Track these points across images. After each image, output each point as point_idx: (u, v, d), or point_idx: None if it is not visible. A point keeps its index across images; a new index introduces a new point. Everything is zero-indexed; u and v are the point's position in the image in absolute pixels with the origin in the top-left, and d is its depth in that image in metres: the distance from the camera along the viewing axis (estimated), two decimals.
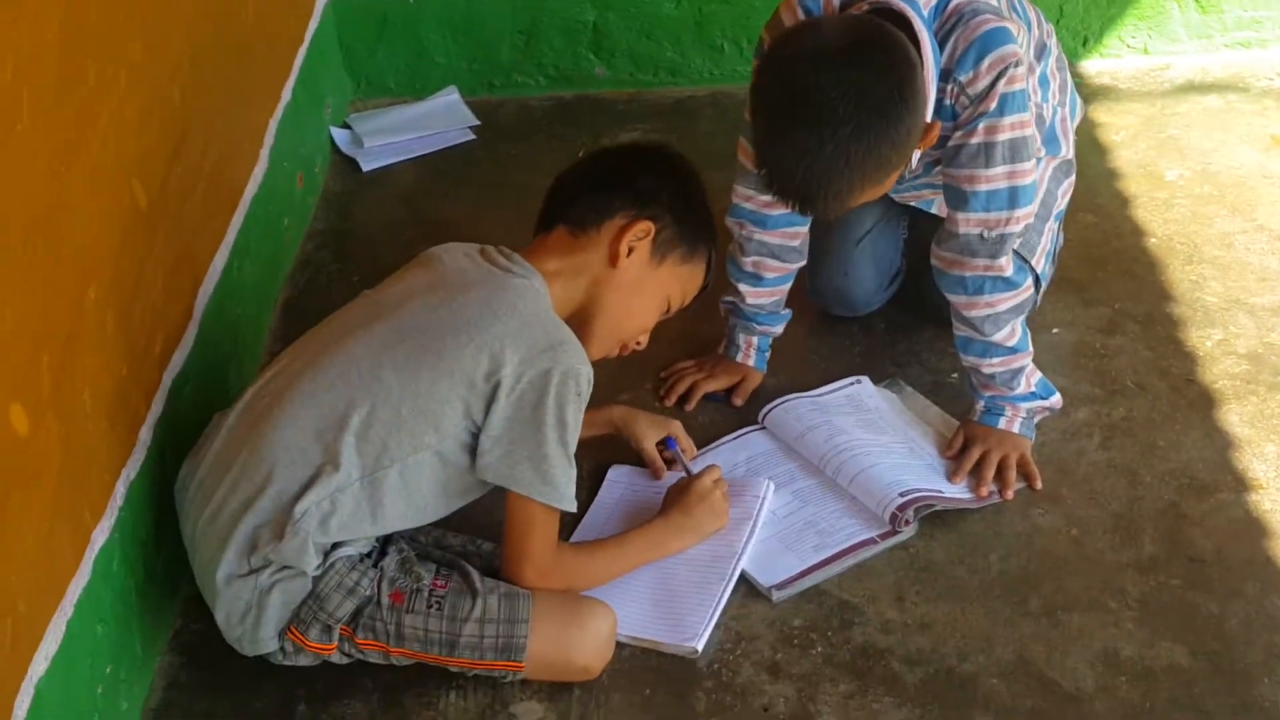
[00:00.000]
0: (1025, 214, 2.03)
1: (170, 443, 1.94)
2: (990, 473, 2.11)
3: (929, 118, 1.93)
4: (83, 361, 1.71)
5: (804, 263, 2.30)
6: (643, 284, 1.94)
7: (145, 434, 1.89)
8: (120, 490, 1.80)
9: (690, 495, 2.01)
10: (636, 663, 1.89)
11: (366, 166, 3.04)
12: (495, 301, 1.80)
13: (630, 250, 1.91)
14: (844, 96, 1.78)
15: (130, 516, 1.81)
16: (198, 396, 2.07)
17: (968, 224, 2.04)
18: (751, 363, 2.35)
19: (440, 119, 3.20)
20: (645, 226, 1.91)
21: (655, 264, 1.94)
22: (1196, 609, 1.92)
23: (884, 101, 1.81)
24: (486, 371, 1.75)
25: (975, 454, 2.13)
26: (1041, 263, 2.27)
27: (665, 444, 2.17)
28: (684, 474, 2.09)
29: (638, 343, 2.03)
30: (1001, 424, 2.15)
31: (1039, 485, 2.11)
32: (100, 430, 1.75)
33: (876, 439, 2.18)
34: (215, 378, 2.19)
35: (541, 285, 1.86)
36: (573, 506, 1.82)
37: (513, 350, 1.75)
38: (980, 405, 2.17)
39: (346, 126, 3.16)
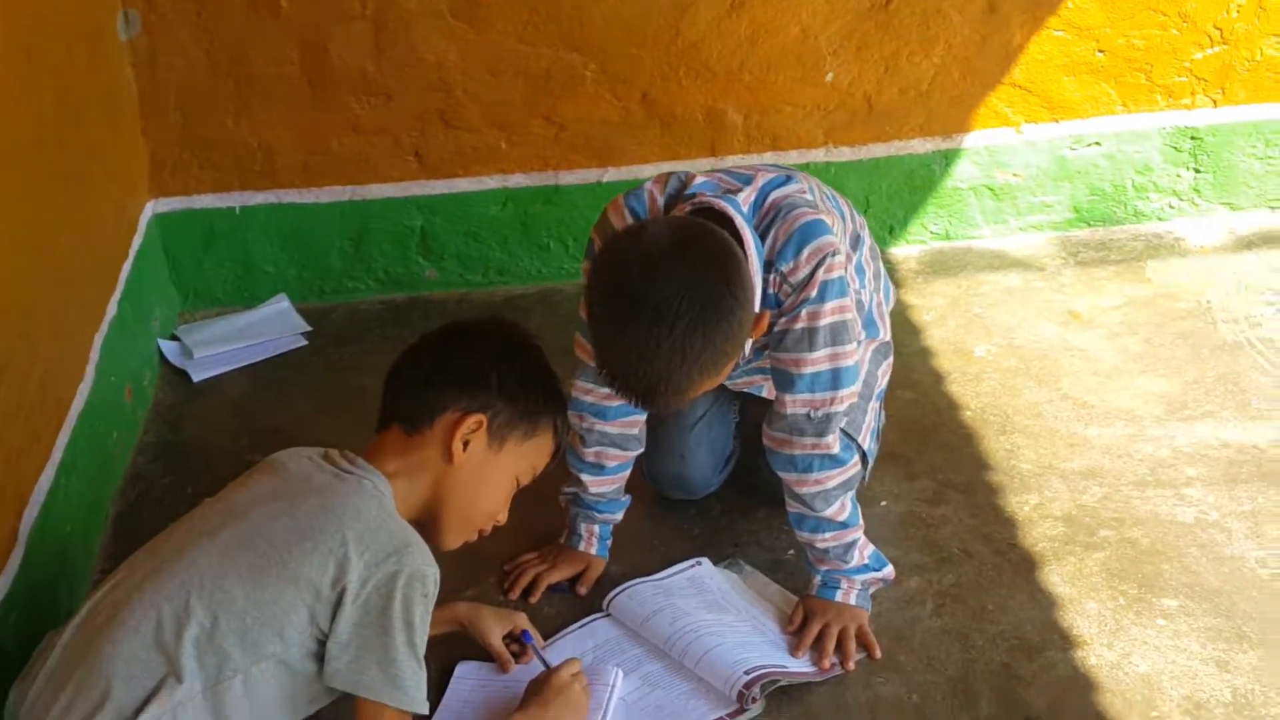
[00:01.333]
0: (849, 393, 2.12)
1: None
2: (831, 645, 2.15)
3: (758, 308, 2.02)
4: None
5: (643, 449, 2.35)
6: (485, 472, 1.95)
7: None
8: None
9: (549, 689, 1.99)
10: None
11: (197, 377, 3.02)
12: (339, 507, 1.79)
13: (466, 444, 1.92)
14: (675, 295, 1.85)
15: None
16: (24, 621, 1.99)
17: (795, 404, 2.12)
18: (594, 551, 2.37)
19: (271, 326, 3.20)
20: (476, 420, 1.91)
21: (495, 451, 1.95)
22: None
23: (714, 297, 1.88)
24: (333, 578, 1.73)
25: (815, 627, 2.17)
26: (867, 440, 2.36)
27: (522, 637, 2.16)
28: (539, 666, 2.08)
29: (496, 521, 2.03)
30: (838, 596, 2.20)
31: (878, 654, 2.16)
32: None
33: (720, 618, 2.21)
34: (43, 600, 2.11)
35: (385, 486, 1.86)
36: (425, 709, 1.79)
37: (358, 555, 1.74)
38: (817, 579, 2.22)
39: (175, 338, 3.14)
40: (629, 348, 1.88)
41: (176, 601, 1.73)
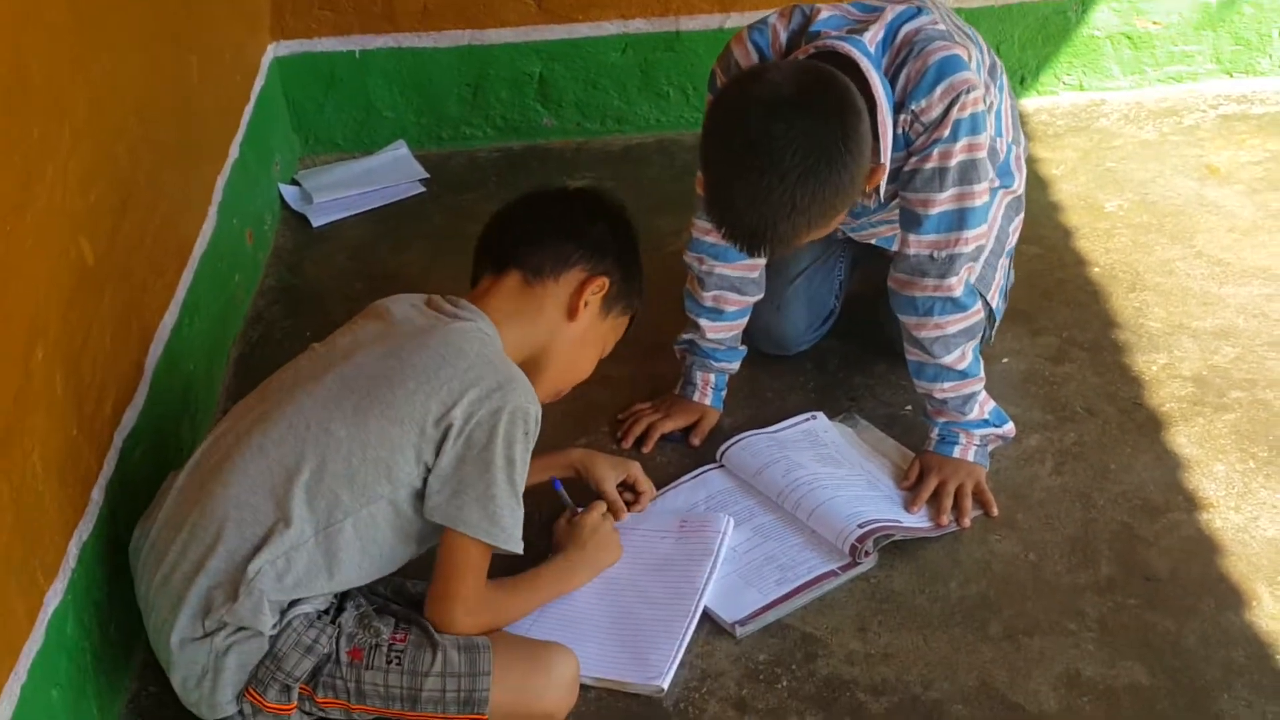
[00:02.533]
0: (975, 235, 2.06)
1: (123, 503, 1.92)
2: (948, 501, 2.12)
3: (888, 153, 1.96)
4: (31, 421, 1.69)
5: (762, 295, 2.32)
6: (589, 335, 1.97)
7: (97, 494, 1.87)
8: (73, 551, 1.77)
9: (582, 530, 2.04)
10: (602, 705, 1.88)
11: (316, 222, 3.04)
12: (442, 347, 1.79)
13: (586, 304, 1.92)
14: (790, 145, 1.81)
15: (83, 578, 1.78)
16: (150, 455, 2.05)
17: (919, 245, 2.07)
18: (709, 401, 2.36)
19: (389, 173, 3.20)
20: (602, 282, 1.92)
21: (602, 317, 1.96)
22: (1154, 627, 1.94)
23: (828, 149, 1.84)
24: (437, 416, 1.74)
25: (932, 483, 2.14)
26: (996, 299, 2.30)
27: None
28: (653, 513, 2.09)
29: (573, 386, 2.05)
30: (956, 452, 2.16)
31: (995, 512, 2.13)
32: (51, 490, 1.73)
33: (834, 472, 2.20)
34: (168, 436, 2.16)
35: (490, 328, 1.85)
36: (520, 548, 1.81)
37: (461, 392, 1.75)
38: (935, 434, 2.19)
39: (295, 183, 3.16)
40: (739, 193, 1.86)
41: (284, 447, 1.75)
